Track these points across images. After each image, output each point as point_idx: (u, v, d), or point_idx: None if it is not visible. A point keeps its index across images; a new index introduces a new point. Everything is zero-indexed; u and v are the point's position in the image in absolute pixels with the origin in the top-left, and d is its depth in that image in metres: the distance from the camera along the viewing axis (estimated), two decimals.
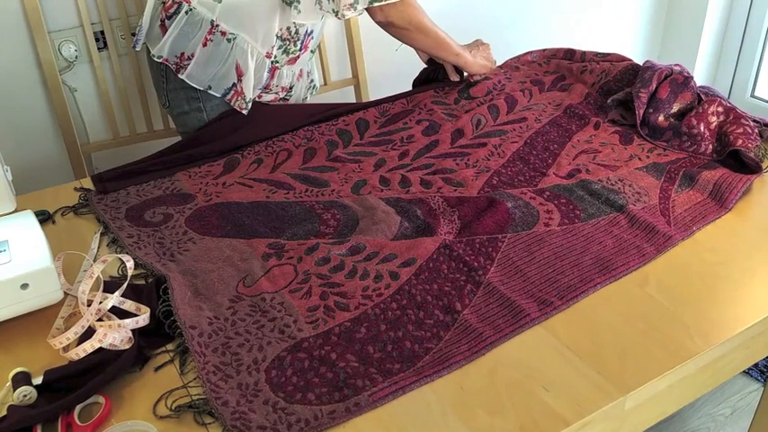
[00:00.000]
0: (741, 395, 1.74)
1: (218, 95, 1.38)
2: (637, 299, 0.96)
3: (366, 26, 1.90)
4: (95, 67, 1.63)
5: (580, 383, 0.82)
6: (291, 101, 1.52)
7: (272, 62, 1.39)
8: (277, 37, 1.37)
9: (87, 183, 1.24)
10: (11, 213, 1.01)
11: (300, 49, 1.43)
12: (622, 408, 0.82)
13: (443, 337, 0.89)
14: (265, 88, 1.43)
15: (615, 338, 0.89)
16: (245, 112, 1.39)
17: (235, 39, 1.33)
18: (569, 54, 1.61)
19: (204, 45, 1.34)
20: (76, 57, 1.62)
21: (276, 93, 1.46)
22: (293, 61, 1.43)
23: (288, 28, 1.37)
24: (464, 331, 0.89)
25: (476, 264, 1.01)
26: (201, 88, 1.37)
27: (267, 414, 0.78)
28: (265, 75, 1.40)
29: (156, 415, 0.79)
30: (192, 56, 1.34)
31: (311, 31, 1.43)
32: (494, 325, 0.90)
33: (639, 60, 1.48)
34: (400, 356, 0.86)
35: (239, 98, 1.38)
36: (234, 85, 1.37)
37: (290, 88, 1.49)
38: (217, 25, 1.33)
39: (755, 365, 1.79)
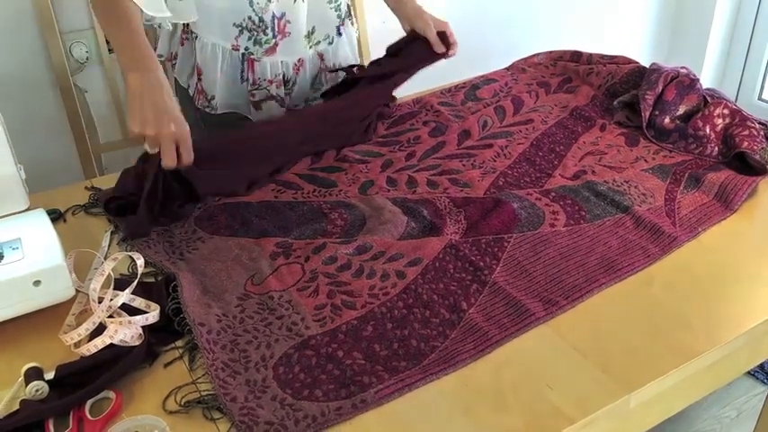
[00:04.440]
0: (746, 397, 1.74)
1: (192, 95, 1.38)
2: (641, 299, 0.96)
3: (372, 27, 1.90)
4: (106, 68, 1.64)
5: (585, 382, 0.83)
6: (294, 95, 1.43)
7: (244, 54, 1.31)
8: (238, 27, 1.28)
9: (98, 182, 1.25)
10: (23, 212, 1.02)
11: (276, 36, 1.32)
12: (627, 406, 0.83)
13: (449, 335, 0.89)
14: (252, 84, 1.35)
15: (620, 338, 0.90)
16: (208, 110, 1.36)
17: (197, 38, 1.30)
18: (576, 56, 1.62)
19: (182, 44, 1.34)
20: (87, 58, 1.63)
21: (267, 89, 1.37)
22: (272, 51, 1.33)
23: (249, 17, 1.28)
24: (470, 330, 0.90)
25: (482, 263, 1.01)
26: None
27: (275, 410, 0.79)
28: (241, 69, 1.33)
29: (166, 410, 0.80)
30: (176, 56, 1.36)
31: (282, 15, 1.30)
32: (499, 324, 0.91)
33: (646, 63, 1.48)
34: (406, 354, 0.87)
35: (201, 97, 1.36)
36: (195, 84, 1.36)
37: (287, 82, 1.40)
38: (186, 25, 1.30)
39: (761, 368, 1.79)
